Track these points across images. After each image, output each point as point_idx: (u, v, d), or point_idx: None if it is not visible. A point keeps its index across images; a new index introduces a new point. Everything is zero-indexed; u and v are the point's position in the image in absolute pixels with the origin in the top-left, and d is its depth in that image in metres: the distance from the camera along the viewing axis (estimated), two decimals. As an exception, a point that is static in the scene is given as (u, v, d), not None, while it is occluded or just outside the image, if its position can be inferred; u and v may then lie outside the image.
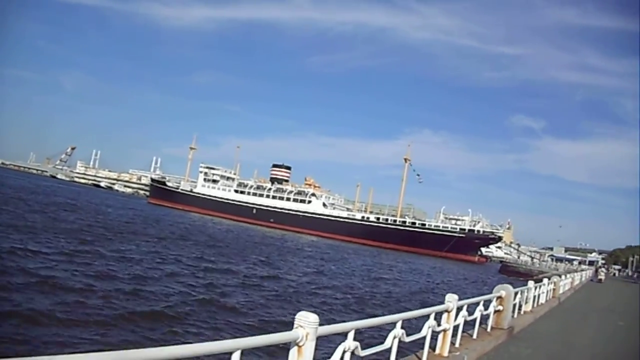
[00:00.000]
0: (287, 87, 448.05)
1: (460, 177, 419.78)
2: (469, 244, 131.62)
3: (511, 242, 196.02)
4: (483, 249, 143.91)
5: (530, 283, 19.96)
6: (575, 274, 53.01)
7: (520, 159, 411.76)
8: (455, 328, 10.61)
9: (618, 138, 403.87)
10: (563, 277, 35.73)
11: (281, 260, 50.88)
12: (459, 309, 10.36)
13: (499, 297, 14.06)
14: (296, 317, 5.08)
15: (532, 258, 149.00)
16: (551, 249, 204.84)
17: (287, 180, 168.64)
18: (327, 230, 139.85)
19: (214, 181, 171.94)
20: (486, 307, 13.08)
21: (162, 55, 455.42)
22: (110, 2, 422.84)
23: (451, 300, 9.75)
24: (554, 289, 28.27)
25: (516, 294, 15.92)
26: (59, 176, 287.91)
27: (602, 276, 68.25)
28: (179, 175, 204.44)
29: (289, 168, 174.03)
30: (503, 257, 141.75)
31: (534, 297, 21.06)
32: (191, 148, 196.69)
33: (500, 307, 14.09)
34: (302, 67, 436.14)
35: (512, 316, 15.96)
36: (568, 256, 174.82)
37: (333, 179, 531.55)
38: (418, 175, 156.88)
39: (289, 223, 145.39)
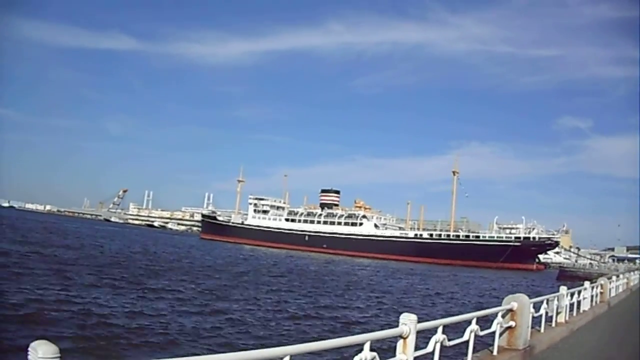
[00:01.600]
0: (331, 112, 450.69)
1: (512, 186, 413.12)
2: (525, 252, 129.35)
3: (570, 247, 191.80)
4: (541, 256, 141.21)
5: (563, 289, 16.66)
6: (633, 273, 50.65)
7: (571, 160, 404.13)
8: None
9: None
10: (614, 277, 32.81)
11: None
12: (422, 332, 7.32)
13: (510, 311, 11.42)
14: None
15: (591, 260, 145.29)
16: (612, 249, 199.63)
17: (336, 205, 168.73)
18: (380, 251, 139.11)
19: (264, 212, 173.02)
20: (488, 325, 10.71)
21: (204, 93, 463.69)
22: (147, 45, 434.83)
23: (407, 322, 6.84)
24: (601, 292, 25.32)
25: (537, 304, 13.50)
26: (112, 219, 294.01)
27: None
28: (231, 209, 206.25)
29: (337, 192, 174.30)
30: (562, 263, 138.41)
31: (572, 304, 18.24)
32: (239, 181, 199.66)
33: (513, 323, 11.36)
34: (345, 91, 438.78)
35: (539, 331, 14.24)
36: (630, 255, 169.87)
37: (384, 199, 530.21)
38: (464, 191, 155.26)
39: (342, 247, 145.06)
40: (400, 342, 7.01)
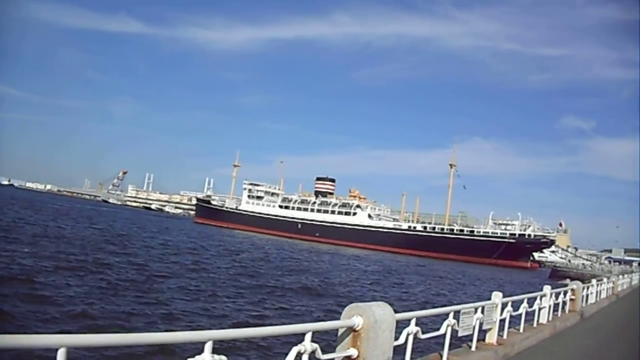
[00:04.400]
0: (335, 102, 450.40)
1: (513, 183, 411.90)
2: (519, 249, 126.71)
3: (568, 246, 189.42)
4: (536, 254, 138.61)
5: (496, 296, 11.65)
6: (623, 276, 47.19)
7: (573, 160, 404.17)
8: None
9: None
10: (594, 281, 26.98)
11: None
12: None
13: (353, 331, 6.41)
14: None
15: (585, 260, 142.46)
16: (610, 251, 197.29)
17: (331, 193, 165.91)
18: (373, 242, 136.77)
19: (259, 197, 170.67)
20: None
21: (209, 79, 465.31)
22: (154, 29, 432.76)
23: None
24: (572, 300, 20.69)
25: (430, 319, 9.65)
26: (110, 200, 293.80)
27: None
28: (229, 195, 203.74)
29: (333, 180, 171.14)
30: (557, 262, 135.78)
31: (515, 317, 13.71)
32: (235, 165, 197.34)
33: (354, 352, 6.31)
34: (349, 81, 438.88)
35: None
36: (627, 257, 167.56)
37: (383, 191, 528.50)
38: (459, 176, 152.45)
39: (335, 236, 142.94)
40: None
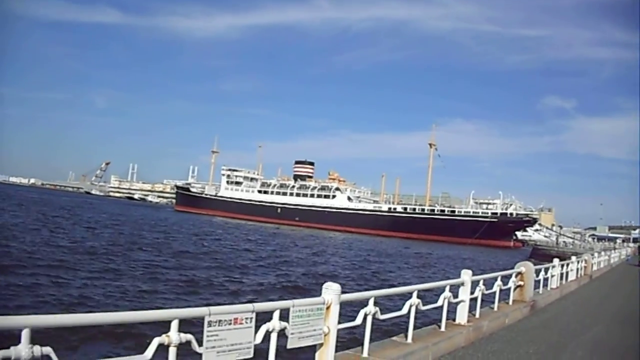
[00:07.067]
0: (316, 87, 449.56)
1: (497, 164, 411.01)
2: (502, 228, 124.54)
3: (552, 225, 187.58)
4: (519, 233, 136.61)
5: (328, 291, 6.61)
6: (600, 253, 42.35)
7: (556, 140, 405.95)
8: None
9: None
10: (556, 261, 21.92)
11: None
12: None
13: None
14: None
15: (569, 238, 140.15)
16: (594, 228, 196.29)
17: (310, 176, 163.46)
18: (353, 224, 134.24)
19: (237, 183, 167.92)
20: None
21: (189, 66, 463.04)
22: (134, 19, 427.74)
23: None
24: (520, 286, 15.93)
25: None
26: (93, 192, 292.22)
27: None
28: (214, 182, 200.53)
29: (312, 164, 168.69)
30: (541, 241, 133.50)
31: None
32: (213, 152, 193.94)
33: None
34: (330, 66, 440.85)
35: None
36: (611, 234, 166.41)
37: (365, 174, 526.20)
38: (440, 156, 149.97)
39: (314, 220, 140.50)
40: None
